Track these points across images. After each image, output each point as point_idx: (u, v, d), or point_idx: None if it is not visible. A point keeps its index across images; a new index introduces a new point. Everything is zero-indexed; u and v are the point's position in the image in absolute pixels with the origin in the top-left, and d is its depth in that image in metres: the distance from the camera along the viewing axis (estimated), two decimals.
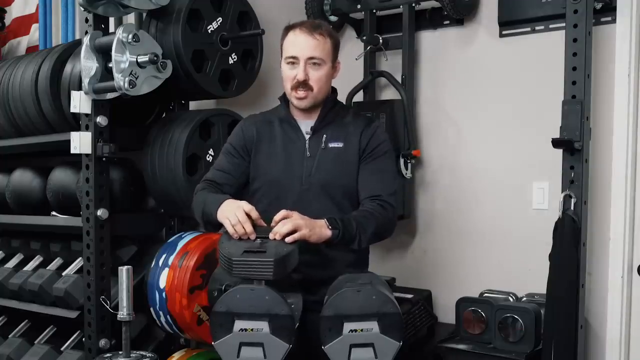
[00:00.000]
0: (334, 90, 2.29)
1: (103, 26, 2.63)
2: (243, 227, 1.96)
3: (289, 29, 2.21)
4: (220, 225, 2.05)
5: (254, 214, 2.00)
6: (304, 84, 2.16)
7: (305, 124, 2.24)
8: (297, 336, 1.92)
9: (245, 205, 2.00)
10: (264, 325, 1.87)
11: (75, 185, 2.81)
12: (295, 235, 1.94)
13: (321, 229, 2.01)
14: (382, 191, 2.18)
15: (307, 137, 2.23)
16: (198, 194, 2.21)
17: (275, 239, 1.95)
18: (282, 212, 1.99)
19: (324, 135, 2.22)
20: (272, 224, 1.99)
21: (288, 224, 1.95)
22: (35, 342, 3.00)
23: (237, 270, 1.90)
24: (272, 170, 2.21)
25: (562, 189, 2.41)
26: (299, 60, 2.15)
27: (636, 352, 2.59)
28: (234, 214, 1.98)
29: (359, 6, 3.13)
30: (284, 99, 2.28)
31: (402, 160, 2.93)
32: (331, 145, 2.21)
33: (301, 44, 2.15)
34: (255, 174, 2.24)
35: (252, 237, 1.96)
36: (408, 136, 2.97)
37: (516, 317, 2.44)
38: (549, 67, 2.66)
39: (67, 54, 2.87)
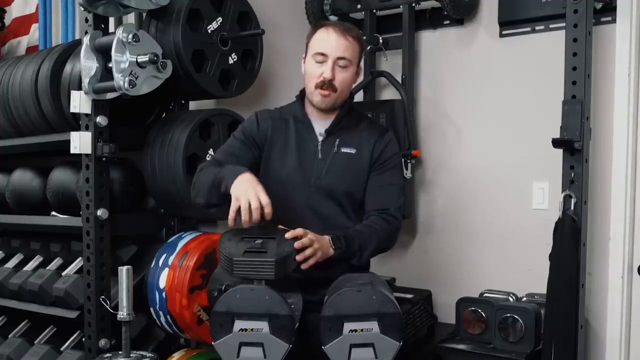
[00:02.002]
0: (350, 95, 2.29)
1: (103, 26, 2.63)
2: (252, 215, 1.92)
3: (319, 26, 2.21)
4: (225, 199, 2.00)
5: (268, 209, 1.94)
6: (329, 84, 2.15)
7: (320, 125, 2.23)
8: (297, 336, 1.92)
9: (262, 197, 1.94)
10: (263, 325, 1.87)
11: (75, 185, 2.81)
12: (310, 262, 1.97)
13: (327, 249, 2.03)
14: (390, 205, 2.19)
15: (320, 138, 2.22)
16: (207, 169, 2.13)
17: (275, 239, 1.95)
18: (301, 231, 1.98)
19: (337, 140, 2.21)
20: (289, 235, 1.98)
21: (312, 253, 1.96)
22: (35, 342, 2.99)
23: (238, 270, 1.90)
24: (283, 170, 2.20)
25: (562, 189, 2.40)
26: (328, 58, 2.14)
27: (636, 352, 2.59)
28: (254, 198, 1.92)
29: (359, 6, 3.13)
30: (301, 97, 2.27)
31: (402, 160, 2.92)
32: (343, 150, 2.21)
33: (332, 43, 2.14)
34: (266, 171, 2.22)
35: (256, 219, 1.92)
36: (408, 136, 2.96)
37: (516, 317, 2.44)
38: (549, 67, 2.66)
39: (67, 54, 2.87)
